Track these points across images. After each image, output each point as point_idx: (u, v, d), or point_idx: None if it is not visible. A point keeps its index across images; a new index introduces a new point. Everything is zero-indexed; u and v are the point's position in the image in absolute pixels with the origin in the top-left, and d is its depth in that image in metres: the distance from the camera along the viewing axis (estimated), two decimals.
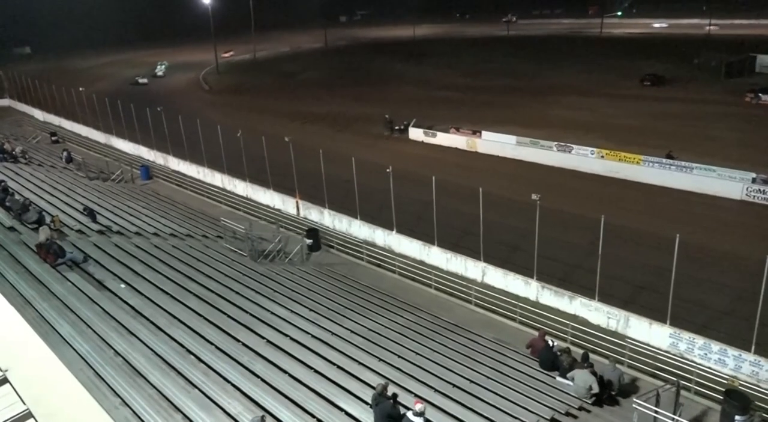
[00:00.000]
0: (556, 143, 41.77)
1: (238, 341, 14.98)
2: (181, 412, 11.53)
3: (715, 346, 17.71)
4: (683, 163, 35.93)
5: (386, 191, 25.60)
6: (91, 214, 25.23)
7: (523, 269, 22.41)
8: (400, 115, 50.78)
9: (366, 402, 12.48)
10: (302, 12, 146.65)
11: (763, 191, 31.90)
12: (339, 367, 14.37)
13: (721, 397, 14.85)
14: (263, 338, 15.42)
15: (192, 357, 13.78)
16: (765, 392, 16.02)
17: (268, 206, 32.57)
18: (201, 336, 14.90)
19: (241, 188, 34.92)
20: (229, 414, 11.60)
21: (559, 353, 16.39)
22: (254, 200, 33.57)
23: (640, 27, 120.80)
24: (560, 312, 20.84)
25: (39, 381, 6.68)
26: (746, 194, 32.51)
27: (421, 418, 11.05)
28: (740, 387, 15.79)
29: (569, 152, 40.99)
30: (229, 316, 16.56)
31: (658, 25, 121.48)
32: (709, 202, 32.03)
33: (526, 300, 21.70)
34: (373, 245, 26.83)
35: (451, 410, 12.89)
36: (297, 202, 31.11)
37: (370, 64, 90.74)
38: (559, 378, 15.66)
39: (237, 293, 18.72)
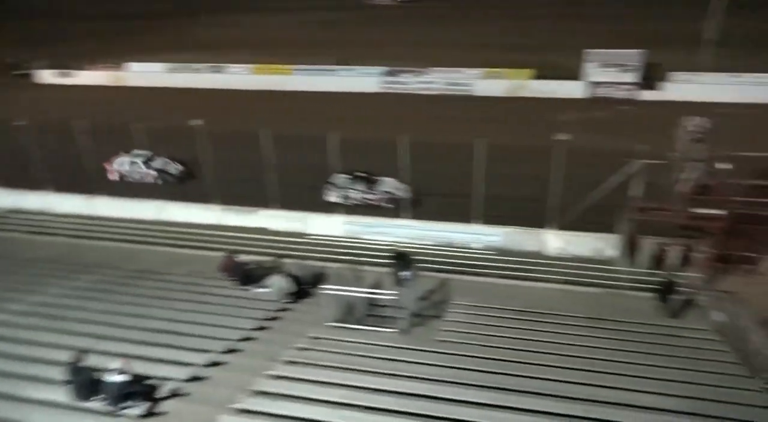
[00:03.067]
0: (208, 64, 40.90)
1: None
2: None
3: (379, 221, 20.60)
4: (328, 67, 38.94)
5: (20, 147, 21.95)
6: None
7: (203, 197, 22.13)
8: (18, 56, 42.96)
9: (56, 382, 11.21)
10: None
11: (392, 82, 37.00)
12: (16, 356, 12.47)
13: (390, 261, 17.45)
14: None
15: None
16: (421, 248, 19.45)
17: None
18: None
19: None
20: None
21: (252, 266, 17.00)
22: None
23: None
24: (247, 229, 21.42)
25: None
26: (381, 87, 37.20)
27: (125, 375, 10.45)
28: (402, 249, 18.77)
29: (223, 72, 40.66)
30: None
31: None
32: (354, 98, 35.70)
33: (212, 227, 21.65)
34: (23, 211, 23.12)
35: (157, 354, 12.45)
36: None
37: None
38: (256, 290, 16.33)
39: None
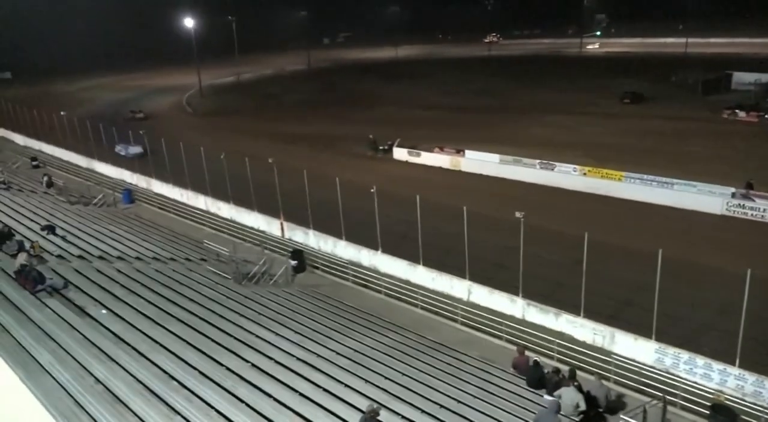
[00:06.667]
0: (539, 160, 42.13)
1: (222, 365, 14.74)
2: None
3: (700, 360, 17.75)
4: (664, 179, 36.33)
5: (371, 211, 25.61)
6: (50, 229, 25.10)
7: (509, 287, 22.43)
8: (383, 135, 51.05)
9: None
10: (285, 35, 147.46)
11: (742, 205, 32.40)
12: (325, 390, 14.19)
13: (707, 412, 14.87)
14: (247, 362, 15.18)
15: (174, 382, 13.51)
16: (750, 406, 16.06)
17: (252, 228, 32.41)
18: (183, 361, 14.64)
19: (225, 210, 34.72)
20: None
21: (546, 370, 16.35)
22: (239, 222, 33.39)
23: (619, 46, 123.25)
24: (546, 329, 20.83)
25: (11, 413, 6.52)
26: (726, 209, 32.96)
27: None
28: (726, 402, 15.82)
29: (552, 169, 41.36)
30: (212, 339, 16.30)
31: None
32: (691, 217, 32.37)
33: (512, 318, 21.67)
34: (359, 265, 26.74)
35: None
36: (281, 223, 31.00)
37: (354, 85, 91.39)
38: (546, 396, 15.58)
39: (220, 316, 18.48)
